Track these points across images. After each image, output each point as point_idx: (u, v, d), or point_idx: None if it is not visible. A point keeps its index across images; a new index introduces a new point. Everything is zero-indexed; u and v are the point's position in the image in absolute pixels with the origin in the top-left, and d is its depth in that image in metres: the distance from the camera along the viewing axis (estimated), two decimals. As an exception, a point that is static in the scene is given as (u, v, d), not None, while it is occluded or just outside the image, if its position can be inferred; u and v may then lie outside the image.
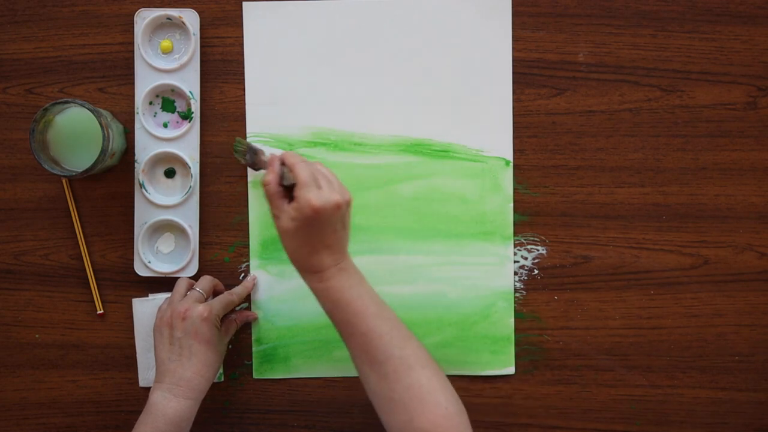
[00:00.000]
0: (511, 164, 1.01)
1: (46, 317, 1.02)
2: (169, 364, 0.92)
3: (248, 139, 1.00)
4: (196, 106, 1.00)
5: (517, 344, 1.01)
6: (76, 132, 0.96)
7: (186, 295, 0.96)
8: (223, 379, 1.02)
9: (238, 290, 0.99)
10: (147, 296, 1.01)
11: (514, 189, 1.01)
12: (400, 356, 0.84)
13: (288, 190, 0.85)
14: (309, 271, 0.86)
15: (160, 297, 1.00)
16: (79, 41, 1.01)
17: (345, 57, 1.01)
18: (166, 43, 1.00)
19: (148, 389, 1.00)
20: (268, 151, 0.95)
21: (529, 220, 1.01)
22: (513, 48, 1.01)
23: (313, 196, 0.82)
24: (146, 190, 1.00)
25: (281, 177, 0.85)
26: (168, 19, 0.99)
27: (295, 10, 1.01)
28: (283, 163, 0.86)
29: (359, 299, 0.85)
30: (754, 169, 1.01)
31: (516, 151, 1.01)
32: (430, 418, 0.82)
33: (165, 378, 0.92)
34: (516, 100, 1.01)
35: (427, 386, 0.83)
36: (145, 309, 1.01)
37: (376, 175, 1.01)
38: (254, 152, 0.93)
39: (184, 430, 0.91)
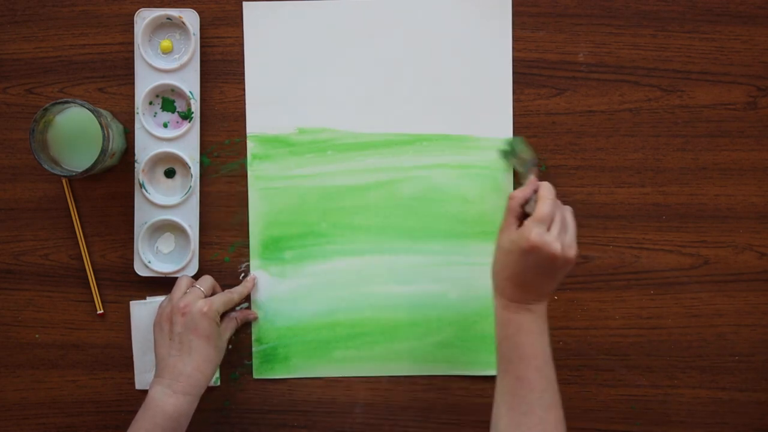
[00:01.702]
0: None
1: (46, 317, 1.02)
2: (169, 360, 0.92)
3: (249, 132, 1.00)
4: (196, 106, 1.00)
5: (517, 344, 1.01)
6: (76, 132, 0.96)
7: (186, 292, 0.96)
8: (219, 383, 1.01)
9: (239, 289, 0.99)
10: (145, 299, 1.01)
11: (514, 189, 1.01)
12: (541, 418, 0.84)
13: (525, 216, 0.87)
14: (502, 294, 0.87)
15: (158, 300, 1.00)
16: (79, 41, 1.01)
17: (345, 57, 1.01)
18: (166, 43, 1.00)
19: (146, 391, 1.00)
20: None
21: (529, 220, 1.01)
22: (513, 48, 1.01)
23: (536, 233, 0.83)
24: (146, 190, 1.00)
25: (526, 200, 0.87)
26: (168, 19, 1.00)
27: (295, 10, 1.01)
28: (536, 191, 0.87)
29: (531, 347, 0.85)
30: (754, 169, 1.01)
31: (516, 151, 1.01)
32: None
33: (164, 373, 0.92)
34: (516, 100, 1.01)
35: None
36: (143, 312, 1.01)
37: (377, 175, 1.01)
38: (530, 165, 0.96)
39: (183, 426, 0.91)
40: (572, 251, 0.84)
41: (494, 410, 0.86)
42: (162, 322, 0.94)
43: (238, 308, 1.01)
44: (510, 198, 0.88)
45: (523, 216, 0.87)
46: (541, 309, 0.86)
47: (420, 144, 1.01)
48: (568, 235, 0.85)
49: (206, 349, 0.93)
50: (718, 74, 1.01)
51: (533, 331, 0.86)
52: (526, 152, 0.97)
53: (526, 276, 0.84)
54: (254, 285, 1.01)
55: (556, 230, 0.84)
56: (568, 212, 0.87)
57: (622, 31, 1.00)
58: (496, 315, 0.87)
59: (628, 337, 1.01)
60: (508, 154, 0.99)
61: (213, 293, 0.99)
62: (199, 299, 0.94)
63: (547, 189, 0.86)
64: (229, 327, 0.99)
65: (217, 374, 1.01)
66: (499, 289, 0.87)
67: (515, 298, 0.85)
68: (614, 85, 1.01)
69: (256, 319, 1.01)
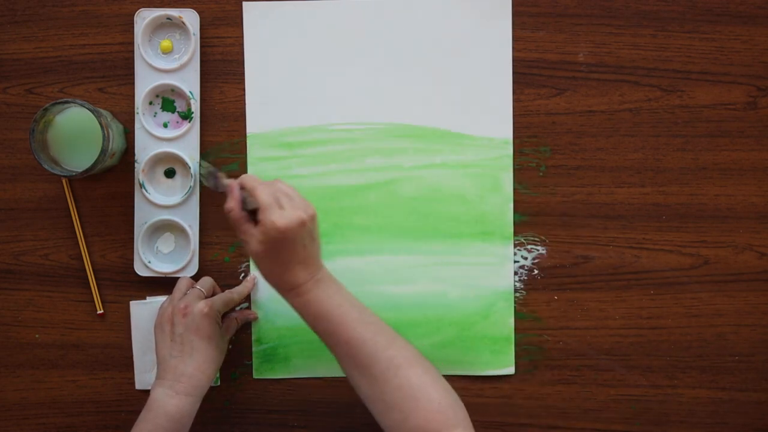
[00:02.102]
0: (511, 163, 1.01)
1: (46, 317, 1.02)
2: (170, 360, 0.92)
3: (249, 132, 1.00)
4: (196, 106, 1.00)
5: (517, 344, 1.01)
6: (76, 132, 0.96)
7: (186, 293, 0.96)
8: (219, 383, 1.01)
9: (239, 289, 0.99)
10: (145, 299, 1.01)
11: (514, 189, 1.01)
12: (387, 358, 0.84)
13: (253, 213, 0.86)
14: (286, 288, 0.87)
15: (158, 300, 1.00)
16: (79, 41, 1.01)
17: (345, 57, 1.01)
18: (166, 43, 1.00)
19: (146, 391, 1.00)
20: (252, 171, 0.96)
21: (529, 220, 1.01)
22: (513, 48, 1.01)
23: (277, 217, 0.83)
24: (146, 190, 1.00)
25: (243, 202, 0.86)
26: (168, 19, 0.99)
27: (295, 10, 1.01)
28: (243, 187, 0.87)
29: (339, 308, 0.86)
30: (754, 169, 1.01)
31: (516, 151, 1.01)
32: (423, 414, 0.82)
33: (166, 374, 0.92)
34: (516, 100, 1.01)
35: (417, 383, 0.84)
36: (143, 312, 1.01)
37: (377, 175, 1.01)
38: (214, 176, 0.94)
39: (185, 427, 0.91)
40: (310, 208, 0.86)
41: (352, 384, 0.87)
42: (163, 323, 0.94)
43: (238, 308, 1.01)
44: (227, 212, 0.86)
45: (250, 215, 0.86)
46: (324, 273, 0.87)
47: (419, 138, 1.01)
48: (296, 198, 0.86)
49: (207, 350, 0.93)
50: (718, 74, 1.01)
51: (332, 294, 0.87)
52: (206, 166, 0.96)
53: (296, 256, 0.85)
54: (254, 285, 1.01)
55: (286, 202, 0.85)
56: (279, 183, 0.88)
57: (622, 31, 1.00)
58: (294, 307, 0.88)
59: (628, 337, 1.01)
60: (205, 177, 0.96)
61: (213, 294, 0.99)
62: (199, 300, 0.95)
63: (250, 179, 0.87)
64: (229, 327, 0.99)
65: (217, 374, 1.01)
66: (282, 287, 0.87)
67: (300, 279, 0.86)
68: (614, 85, 1.01)
69: (256, 319, 1.01)
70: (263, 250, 0.85)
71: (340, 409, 1.02)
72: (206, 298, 0.97)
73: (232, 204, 0.87)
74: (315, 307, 0.86)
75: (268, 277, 0.87)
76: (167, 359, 0.92)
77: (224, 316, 0.98)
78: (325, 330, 0.87)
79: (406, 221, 1.01)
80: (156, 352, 0.94)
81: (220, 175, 0.94)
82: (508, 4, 1.00)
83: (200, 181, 0.97)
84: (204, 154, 1.00)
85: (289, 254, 0.85)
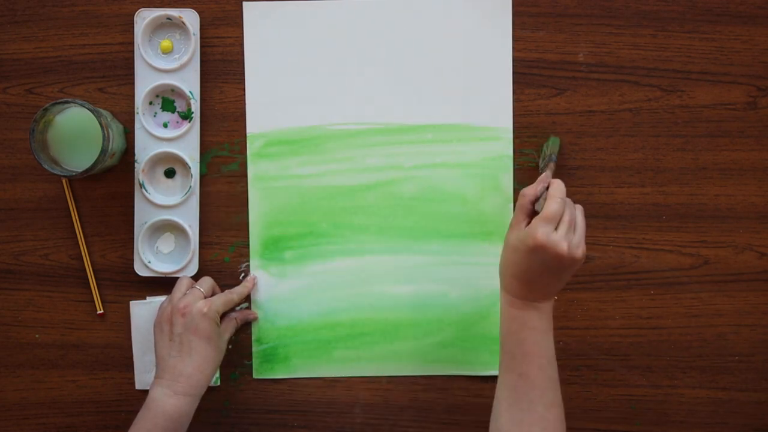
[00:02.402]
0: (511, 163, 1.01)
1: (46, 317, 1.02)
2: (169, 360, 0.92)
3: (249, 132, 1.00)
4: (196, 106, 1.00)
5: (517, 344, 1.01)
6: (76, 132, 0.96)
7: (186, 293, 0.96)
8: (219, 383, 1.01)
9: (239, 289, 0.99)
10: (145, 299, 1.01)
11: (514, 189, 1.01)
12: (542, 415, 0.84)
13: (535, 214, 0.86)
14: (508, 290, 0.86)
15: (158, 300, 1.00)
16: (79, 41, 1.01)
17: (345, 57, 1.01)
18: (166, 43, 1.00)
19: (146, 391, 1.00)
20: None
21: (529, 220, 1.01)
22: (513, 48, 1.01)
23: (542, 232, 0.82)
24: (146, 190, 1.00)
25: (537, 198, 0.87)
26: (168, 19, 0.99)
27: (295, 10, 1.01)
28: (548, 187, 0.87)
29: (535, 344, 0.85)
30: (754, 169, 1.01)
31: (516, 151, 1.01)
32: None
33: (165, 374, 0.92)
34: (516, 100, 1.01)
35: None
36: (143, 312, 1.01)
37: (377, 175, 1.01)
38: (547, 162, 0.95)
39: (184, 426, 0.91)
40: (579, 251, 0.84)
41: (494, 406, 0.87)
42: (162, 323, 0.94)
43: (238, 308, 1.01)
44: (521, 195, 0.87)
45: (533, 213, 0.87)
46: (546, 307, 0.86)
47: (419, 138, 1.00)
48: (577, 235, 0.85)
49: (206, 350, 0.93)
50: (718, 74, 1.01)
51: (538, 328, 0.86)
52: (552, 149, 0.97)
53: (532, 274, 0.84)
54: (254, 285, 1.01)
55: (563, 230, 0.83)
56: (578, 211, 0.87)
57: (622, 31, 1.00)
58: (502, 311, 0.87)
59: (628, 337, 1.01)
60: (542, 151, 0.98)
61: (212, 294, 0.99)
62: (199, 300, 0.95)
63: (557, 187, 0.86)
64: (229, 327, 0.99)
65: (217, 374, 1.01)
66: (505, 285, 0.87)
67: (521, 295, 0.85)
68: (614, 85, 1.01)
69: (256, 319, 1.01)
70: (513, 247, 0.84)
71: (340, 409, 1.02)
72: (206, 298, 0.97)
73: (529, 191, 0.87)
74: (518, 326, 0.85)
75: (503, 267, 0.87)
76: (166, 359, 0.92)
77: (224, 316, 0.98)
78: (509, 351, 0.86)
79: (406, 221, 1.01)
80: (155, 351, 0.94)
81: (551, 165, 0.94)
82: (508, 4, 1.00)
83: (540, 152, 0.99)
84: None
85: (532, 270, 0.84)
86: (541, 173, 0.92)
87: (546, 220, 0.83)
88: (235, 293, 0.99)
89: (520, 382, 0.85)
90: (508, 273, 0.86)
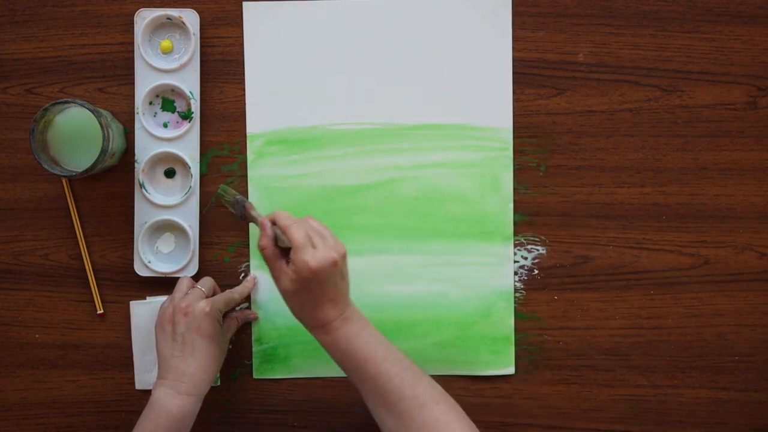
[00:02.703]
0: (511, 163, 1.01)
1: (46, 317, 1.02)
2: (172, 360, 0.92)
3: (249, 132, 1.00)
4: (196, 106, 1.00)
5: (517, 344, 1.01)
6: (76, 132, 0.96)
7: (187, 293, 0.96)
8: (219, 383, 1.01)
9: (239, 289, 0.99)
10: (145, 299, 1.01)
11: (514, 189, 1.01)
12: (413, 395, 0.85)
13: (285, 250, 0.87)
14: (315, 326, 0.87)
15: (158, 300, 1.00)
16: (79, 41, 1.01)
17: (345, 57, 1.01)
18: (166, 43, 1.00)
19: (146, 391, 1.00)
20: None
21: (529, 220, 1.01)
22: (513, 48, 1.01)
23: (309, 257, 0.83)
24: (146, 190, 1.00)
25: (275, 239, 0.87)
26: (168, 19, 1.00)
27: (295, 10, 1.01)
28: (274, 223, 0.87)
29: (366, 345, 0.87)
30: (754, 169, 1.01)
31: (516, 151, 1.01)
32: None
33: (168, 374, 0.92)
34: (516, 100, 1.01)
35: (442, 420, 0.84)
36: (143, 312, 1.01)
37: (377, 175, 1.01)
38: (242, 206, 0.95)
39: (187, 426, 0.91)
40: (341, 246, 0.86)
41: (376, 420, 0.87)
42: (164, 323, 0.94)
43: (238, 308, 1.01)
44: (262, 249, 0.87)
45: (283, 253, 0.87)
46: (352, 310, 0.88)
47: (419, 137, 1.00)
48: (328, 237, 0.86)
49: (209, 349, 0.93)
50: (718, 74, 1.01)
51: (359, 332, 0.87)
52: (231, 194, 0.96)
53: (326, 294, 0.85)
54: (254, 285, 1.01)
55: (319, 241, 0.85)
56: (311, 220, 0.88)
57: (622, 31, 1.00)
58: (323, 344, 0.88)
59: (628, 337, 1.01)
60: (230, 204, 0.96)
61: (213, 294, 0.99)
62: (200, 299, 0.95)
63: (283, 217, 0.87)
64: (231, 326, 0.99)
65: (218, 374, 1.01)
66: (311, 324, 0.88)
67: (328, 319, 0.86)
68: (614, 85, 1.01)
69: (256, 319, 1.01)
70: (294, 288, 0.85)
71: (340, 409, 1.02)
72: (207, 297, 0.97)
73: (266, 242, 0.87)
74: (343, 343, 0.87)
75: (298, 314, 0.88)
76: (169, 359, 0.92)
77: (225, 315, 0.98)
78: (352, 366, 0.87)
79: (406, 221, 1.01)
80: (157, 351, 0.94)
81: (248, 205, 0.94)
82: (508, 4, 1.00)
83: (225, 206, 0.98)
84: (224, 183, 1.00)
85: (320, 293, 0.85)
86: (247, 220, 0.94)
87: (302, 246, 0.84)
88: (236, 292, 0.99)
89: (378, 382, 0.86)
90: (305, 314, 0.87)
